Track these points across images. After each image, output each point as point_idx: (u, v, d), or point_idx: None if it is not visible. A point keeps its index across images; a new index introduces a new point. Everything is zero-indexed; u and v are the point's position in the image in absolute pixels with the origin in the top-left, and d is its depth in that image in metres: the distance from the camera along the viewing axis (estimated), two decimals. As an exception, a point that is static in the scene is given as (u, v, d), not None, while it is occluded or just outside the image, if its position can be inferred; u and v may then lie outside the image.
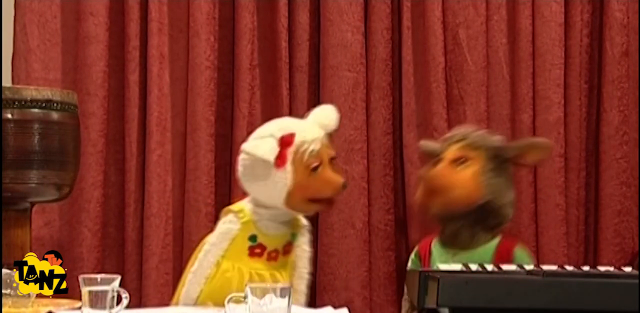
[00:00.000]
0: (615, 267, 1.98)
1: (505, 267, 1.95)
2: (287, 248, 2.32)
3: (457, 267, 1.94)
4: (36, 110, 2.38)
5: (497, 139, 2.47)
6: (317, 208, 2.32)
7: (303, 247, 2.38)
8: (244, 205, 2.33)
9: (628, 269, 1.93)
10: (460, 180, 2.38)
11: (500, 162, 2.41)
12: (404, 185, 2.93)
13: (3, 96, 2.35)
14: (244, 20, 2.88)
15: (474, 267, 1.92)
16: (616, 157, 2.93)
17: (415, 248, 2.56)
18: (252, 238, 2.28)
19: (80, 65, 2.85)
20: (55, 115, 2.41)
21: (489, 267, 1.92)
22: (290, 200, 2.25)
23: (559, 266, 2.00)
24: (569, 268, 1.96)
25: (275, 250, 2.30)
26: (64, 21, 2.88)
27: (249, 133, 2.79)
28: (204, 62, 2.84)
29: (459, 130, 2.49)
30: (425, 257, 2.49)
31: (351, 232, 2.83)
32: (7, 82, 2.82)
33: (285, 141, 2.26)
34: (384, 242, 2.91)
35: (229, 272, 2.25)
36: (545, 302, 1.68)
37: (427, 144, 2.59)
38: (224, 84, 2.92)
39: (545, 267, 1.94)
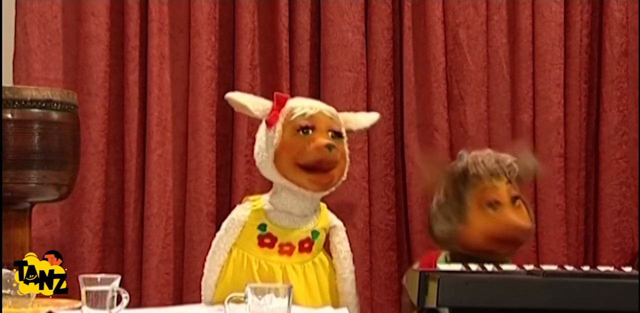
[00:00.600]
0: (615, 267, 1.98)
1: (505, 267, 1.95)
2: (305, 245, 2.30)
3: (457, 267, 1.94)
4: (36, 110, 2.38)
5: (527, 163, 2.38)
6: (307, 178, 2.25)
7: (338, 247, 2.36)
8: (263, 195, 2.32)
9: (628, 269, 1.93)
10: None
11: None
12: (405, 185, 2.93)
13: (3, 96, 2.35)
14: (245, 20, 2.88)
15: (474, 267, 1.92)
16: (616, 157, 2.93)
17: (416, 265, 2.50)
18: (262, 226, 2.27)
19: (80, 65, 2.85)
20: (55, 115, 2.41)
21: (489, 267, 1.92)
22: (278, 162, 2.23)
23: (559, 266, 2.00)
24: (569, 268, 1.96)
25: (289, 244, 2.28)
26: (64, 21, 2.88)
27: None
28: (204, 62, 2.84)
29: (494, 159, 2.32)
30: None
31: (352, 232, 2.83)
32: (7, 82, 2.83)
33: (278, 99, 2.26)
34: (384, 242, 2.91)
35: (237, 259, 2.25)
36: (545, 302, 1.68)
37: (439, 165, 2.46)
38: (224, 83, 2.92)
39: (545, 267, 1.94)
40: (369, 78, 2.92)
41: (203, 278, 2.31)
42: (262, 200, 2.31)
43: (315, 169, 2.24)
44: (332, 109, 2.34)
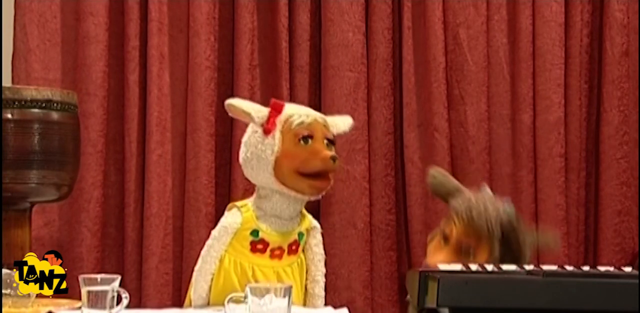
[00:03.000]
0: (615, 267, 1.98)
1: (505, 267, 1.94)
2: (293, 247, 2.31)
3: (457, 267, 1.93)
4: (36, 110, 2.38)
5: (509, 216, 2.25)
6: (307, 184, 2.26)
7: (314, 250, 2.36)
8: (248, 201, 2.32)
9: (628, 269, 1.93)
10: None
11: (508, 247, 2.30)
12: (404, 185, 2.93)
13: (3, 96, 2.35)
14: (244, 20, 2.88)
15: (474, 267, 1.91)
16: (616, 157, 2.93)
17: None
18: (254, 232, 2.27)
19: (80, 65, 2.85)
20: (55, 115, 2.41)
21: (489, 267, 1.91)
22: (279, 170, 2.22)
23: (559, 266, 1.99)
24: (569, 268, 1.95)
25: (280, 248, 2.28)
26: (63, 21, 2.89)
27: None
28: (204, 62, 2.84)
29: (473, 206, 2.25)
30: None
31: (353, 232, 2.83)
32: (7, 82, 2.83)
33: (275, 106, 2.25)
34: (385, 242, 2.91)
35: (230, 267, 2.24)
36: (545, 302, 1.68)
37: (437, 181, 2.36)
38: (224, 84, 2.92)
39: (545, 267, 1.94)
40: (370, 78, 2.92)
41: (192, 290, 2.26)
42: (250, 205, 2.31)
43: (314, 176, 2.25)
44: (323, 116, 2.35)
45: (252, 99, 2.88)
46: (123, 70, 2.87)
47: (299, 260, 2.33)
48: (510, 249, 2.26)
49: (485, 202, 2.28)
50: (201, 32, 2.85)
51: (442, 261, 2.22)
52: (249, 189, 2.83)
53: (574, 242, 2.94)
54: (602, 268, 1.92)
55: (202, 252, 2.27)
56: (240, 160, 2.32)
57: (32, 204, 2.49)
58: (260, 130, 2.25)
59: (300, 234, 2.31)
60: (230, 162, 2.90)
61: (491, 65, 2.96)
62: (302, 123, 2.23)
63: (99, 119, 2.83)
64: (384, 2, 2.92)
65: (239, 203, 2.32)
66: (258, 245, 2.25)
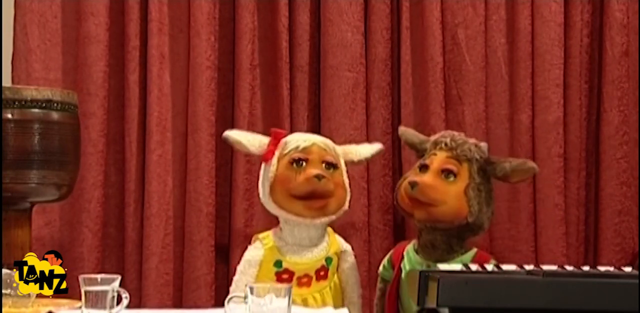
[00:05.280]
0: (615, 267, 1.98)
1: (505, 267, 1.95)
2: (321, 273, 2.32)
3: (457, 267, 1.94)
4: (36, 110, 2.38)
5: (484, 152, 2.41)
6: (302, 206, 2.28)
7: (347, 272, 2.38)
8: (270, 231, 2.34)
9: (628, 269, 1.93)
10: (450, 196, 2.30)
11: (485, 177, 2.37)
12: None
13: (3, 96, 2.35)
14: (245, 20, 2.88)
15: (474, 267, 1.92)
16: (616, 157, 2.92)
17: (389, 253, 2.53)
18: (277, 263, 2.29)
19: (80, 65, 2.85)
20: (55, 115, 2.41)
21: (489, 267, 1.92)
22: (273, 194, 2.26)
23: (559, 266, 2.00)
24: (569, 268, 1.96)
25: (307, 276, 2.30)
26: (64, 21, 2.88)
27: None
28: (204, 62, 2.84)
29: (448, 135, 2.40)
30: (397, 263, 2.45)
31: (351, 232, 2.83)
32: (7, 82, 2.83)
33: (275, 135, 2.28)
34: (383, 242, 2.91)
35: None
36: (545, 302, 1.68)
37: (409, 133, 2.51)
38: (224, 84, 2.92)
39: (545, 267, 1.94)
40: (368, 78, 2.92)
41: None
42: (272, 237, 2.33)
43: (309, 198, 2.28)
44: (327, 141, 2.37)
45: (252, 98, 2.89)
46: (123, 70, 2.87)
47: (331, 284, 2.34)
48: (487, 178, 2.35)
49: (463, 135, 2.41)
50: (201, 32, 2.85)
51: (428, 180, 2.29)
52: (249, 189, 2.84)
53: (574, 242, 2.94)
54: (602, 268, 1.93)
55: (231, 288, 2.29)
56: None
57: (33, 204, 2.49)
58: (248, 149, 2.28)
59: (328, 259, 2.32)
60: (230, 162, 2.90)
61: (489, 65, 2.96)
62: (297, 147, 2.26)
63: (99, 119, 2.83)
64: (383, 2, 2.92)
65: (261, 235, 2.35)
66: (283, 275, 2.28)
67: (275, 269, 2.29)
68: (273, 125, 2.77)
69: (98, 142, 2.82)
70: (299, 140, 2.32)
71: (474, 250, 2.39)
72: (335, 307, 2.32)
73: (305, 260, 2.30)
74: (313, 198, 2.29)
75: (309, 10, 2.93)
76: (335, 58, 2.89)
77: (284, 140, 2.33)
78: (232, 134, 2.39)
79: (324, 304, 2.31)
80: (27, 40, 2.85)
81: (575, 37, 2.96)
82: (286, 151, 2.29)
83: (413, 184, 2.29)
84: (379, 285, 2.53)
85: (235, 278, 2.32)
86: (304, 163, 2.27)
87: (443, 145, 2.36)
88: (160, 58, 2.86)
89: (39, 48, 2.85)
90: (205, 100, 2.84)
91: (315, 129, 2.89)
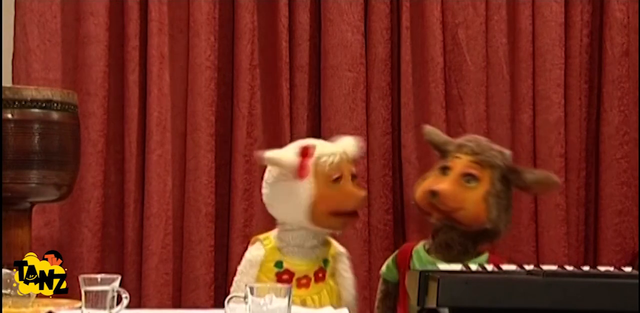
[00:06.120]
0: (615, 267, 1.98)
1: (505, 267, 1.94)
2: (319, 274, 2.32)
3: (457, 267, 1.93)
4: (36, 110, 2.38)
5: (508, 159, 2.40)
6: (340, 222, 2.30)
7: (343, 275, 2.39)
8: (270, 233, 2.34)
9: (628, 269, 1.93)
10: (470, 201, 2.29)
11: (507, 185, 2.36)
12: (402, 186, 2.93)
13: (3, 96, 2.35)
14: (244, 20, 2.88)
15: (474, 267, 1.92)
16: (616, 157, 2.92)
17: (394, 254, 2.52)
18: (278, 264, 2.29)
19: (80, 65, 2.85)
20: (55, 115, 2.41)
21: (489, 267, 1.92)
22: (314, 213, 2.25)
23: (559, 266, 1.99)
24: (569, 268, 1.95)
25: (306, 277, 2.30)
26: (63, 21, 2.89)
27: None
28: (204, 62, 2.84)
29: (472, 140, 2.37)
30: (403, 263, 2.44)
31: (351, 232, 2.83)
32: (7, 82, 2.83)
33: (306, 151, 2.27)
34: (383, 242, 2.91)
35: None
36: (546, 302, 1.68)
37: (434, 133, 2.46)
38: (224, 84, 2.92)
39: (545, 267, 1.94)
40: (368, 78, 2.92)
41: None
42: (273, 238, 2.33)
43: (347, 214, 2.29)
44: (345, 150, 2.35)
45: (252, 98, 2.89)
46: (123, 70, 2.87)
47: (327, 286, 2.34)
48: (508, 186, 2.32)
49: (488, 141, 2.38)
50: (201, 32, 2.85)
51: (447, 188, 2.26)
52: (248, 189, 2.84)
53: (574, 242, 2.94)
54: (602, 268, 1.93)
55: (232, 288, 2.29)
56: (266, 199, 2.34)
57: (32, 204, 2.49)
58: (290, 175, 2.25)
59: (326, 261, 2.33)
60: (230, 162, 2.90)
61: (490, 65, 2.96)
62: (332, 164, 2.25)
63: (99, 119, 2.83)
64: (383, 2, 2.92)
65: (261, 236, 2.34)
66: (283, 275, 2.28)
67: (276, 269, 2.29)
68: (273, 125, 2.78)
69: (98, 142, 2.82)
70: (329, 155, 2.31)
71: (486, 254, 2.39)
72: (333, 308, 2.32)
73: (305, 261, 2.31)
74: (351, 215, 2.31)
75: (309, 10, 2.93)
76: (335, 58, 2.89)
77: (315, 155, 2.31)
78: (272, 155, 2.35)
79: (322, 306, 2.31)
80: (26, 40, 2.85)
81: (575, 37, 2.96)
82: (325, 169, 2.28)
83: (434, 193, 2.29)
84: (380, 286, 2.52)
85: (236, 278, 2.32)
86: (341, 181, 2.28)
87: (468, 149, 2.35)
88: (160, 58, 2.86)
89: (38, 48, 2.85)
90: (205, 100, 2.84)
91: (315, 129, 2.89)
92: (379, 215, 2.91)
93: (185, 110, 2.88)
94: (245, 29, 2.87)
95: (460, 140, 2.39)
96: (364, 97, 2.90)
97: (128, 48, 2.86)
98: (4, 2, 2.83)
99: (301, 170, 2.24)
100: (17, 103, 2.36)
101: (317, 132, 2.84)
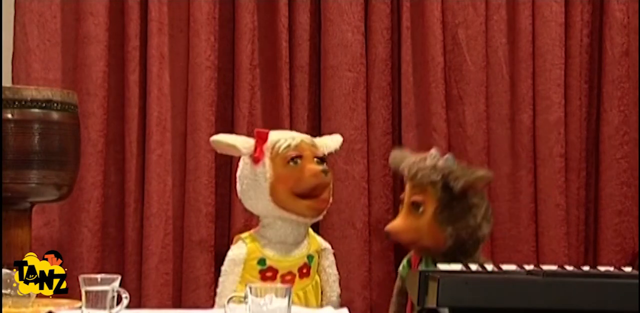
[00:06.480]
0: (615, 267, 1.98)
1: (505, 267, 1.95)
2: (304, 270, 2.33)
3: (457, 267, 1.94)
4: (36, 110, 2.38)
5: (446, 167, 2.38)
6: (306, 205, 2.30)
7: (328, 271, 2.40)
8: (252, 231, 2.35)
9: (628, 269, 1.93)
10: (422, 228, 2.33)
11: (451, 193, 2.37)
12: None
13: (3, 96, 2.35)
14: (244, 20, 2.88)
15: (474, 267, 1.92)
16: (616, 157, 2.92)
17: (409, 254, 2.55)
18: (261, 261, 2.30)
19: (80, 65, 2.85)
20: (55, 115, 2.41)
21: (489, 267, 1.92)
22: (275, 194, 2.26)
23: (559, 266, 2.00)
24: (569, 268, 1.96)
25: (290, 273, 2.30)
26: (63, 21, 2.88)
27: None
28: (204, 62, 2.84)
29: (406, 164, 2.42)
30: (415, 263, 2.47)
31: (351, 232, 2.83)
32: (7, 82, 2.83)
33: (259, 135, 2.29)
34: (383, 242, 2.91)
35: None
36: (545, 302, 1.68)
37: (394, 161, 2.53)
38: (224, 83, 2.92)
39: (545, 267, 1.94)
40: (369, 78, 2.92)
41: None
42: (254, 235, 2.34)
43: (311, 196, 2.30)
44: (309, 137, 2.39)
45: (252, 98, 2.89)
46: (123, 70, 2.87)
47: (313, 282, 2.34)
48: (452, 195, 2.34)
49: (424, 158, 2.41)
50: (201, 32, 2.85)
51: (397, 224, 2.32)
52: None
53: (574, 242, 2.94)
54: (602, 268, 1.93)
55: (218, 289, 2.29)
56: (239, 193, 2.36)
57: (32, 204, 2.49)
58: (250, 161, 2.27)
59: (310, 257, 2.34)
60: (230, 162, 2.89)
61: (490, 65, 2.96)
62: (288, 146, 2.28)
63: (99, 119, 2.83)
64: (383, 2, 2.92)
65: (243, 234, 2.36)
66: (267, 273, 2.29)
67: (259, 267, 2.30)
68: (273, 125, 2.77)
69: (98, 142, 2.82)
70: (287, 138, 2.34)
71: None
72: (316, 305, 2.32)
73: (288, 257, 2.31)
74: (314, 196, 2.30)
75: (309, 10, 2.93)
76: (336, 58, 2.88)
77: (270, 140, 2.34)
78: (222, 138, 2.39)
79: (307, 302, 2.31)
80: (26, 40, 2.85)
81: (575, 37, 2.96)
82: (280, 150, 2.29)
83: (387, 234, 2.36)
84: (397, 282, 2.57)
85: (221, 279, 2.32)
86: (299, 160, 2.29)
87: (406, 177, 2.41)
88: (160, 58, 2.86)
89: (38, 48, 2.85)
90: (205, 100, 2.84)
91: (315, 129, 2.89)
92: (380, 215, 2.91)
93: (185, 110, 2.88)
94: (245, 29, 2.87)
95: (405, 164, 2.44)
96: (364, 97, 2.90)
97: (128, 48, 2.86)
98: (4, 2, 2.83)
99: (256, 154, 2.26)
100: (17, 103, 2.36)
101: (317, 132, 2.84)
